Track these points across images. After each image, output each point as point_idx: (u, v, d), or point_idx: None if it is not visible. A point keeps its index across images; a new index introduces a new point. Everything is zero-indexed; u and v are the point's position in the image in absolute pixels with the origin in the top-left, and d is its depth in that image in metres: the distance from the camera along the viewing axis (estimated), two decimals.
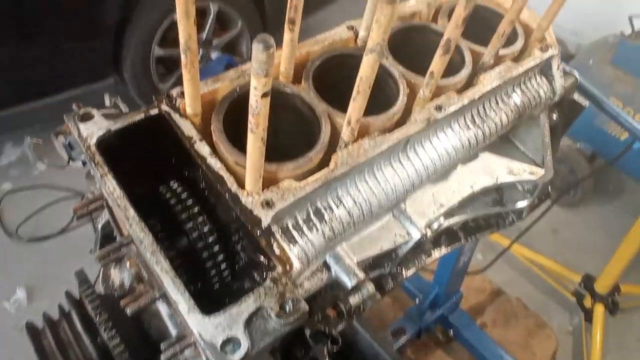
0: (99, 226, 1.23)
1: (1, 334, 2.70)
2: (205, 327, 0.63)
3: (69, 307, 1.03)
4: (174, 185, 0.94)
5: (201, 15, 3.51)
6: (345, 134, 0.83)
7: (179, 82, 3.24)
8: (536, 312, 2.80)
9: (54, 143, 0.99)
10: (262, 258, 0.72)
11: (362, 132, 0.88)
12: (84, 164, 1.02)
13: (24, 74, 3.05)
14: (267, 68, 0.57)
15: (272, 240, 0.72)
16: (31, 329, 1.03)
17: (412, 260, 1.38)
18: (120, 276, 1.27)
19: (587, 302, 2.67)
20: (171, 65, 3.65)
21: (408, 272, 1.34)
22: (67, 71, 3.20)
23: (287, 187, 0.77)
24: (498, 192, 1.45)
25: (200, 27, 3.53)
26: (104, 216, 1.22)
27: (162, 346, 0.69)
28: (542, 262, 2.94)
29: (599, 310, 2.57)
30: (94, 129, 0.79)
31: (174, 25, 3.44)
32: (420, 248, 1.37)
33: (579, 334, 2.73)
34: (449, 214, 1.31)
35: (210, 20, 3.50)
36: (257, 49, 0.55)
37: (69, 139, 0.96)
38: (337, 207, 0.84)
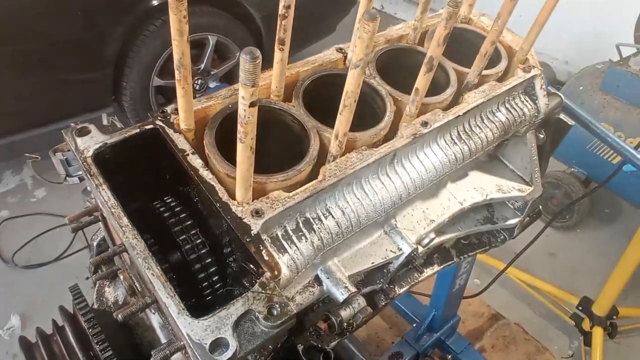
0: (94, 244, 1.25)
1: None
2: (194, 329, 0.64)
3: (63, 321, 1.04)
4: (168, 199, 0.96)
5: (200, 46, 3.60)
6: (334, 147, 0.86)
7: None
8: (535, 336, 2.78)
9: (52, 159, 1.03)
10: (251, 264, 0.74)
11: (350, 147, 0.91)
12: (81, 179, 1.05)
13: (24, 105, 3.11)
14: (254, 78, 0.60)
15: (261, 247, 0.74)
16: (24, 343, 1.04)
17: (405, 278, 1.39)
18: (114, 294, 1.28)
19: (586, 325, 2.66)
20: (170, 95, 3.72)
21: (401, 290, 1.35)
22: (68, 101, 3.27)
23: (277, 197, 0.80)
24: (489, 210, 1.48)
25: (199, 57, 3.63)
26: (99, 234, 1.24)
27: (153, 352, 0.70)
28: (540, 286, 2.94)
29: (598, 333, 2.55)
30: (91, 142, 0.82)
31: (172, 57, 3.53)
32: (412, 265, 1.38)
33: (579, 358, 2.70)
34: (440, 231, 1.33)
35: (208, 51, 3.59)
36: (244, 60, 0.58)
37: (67, 155, 1.00)
38: (326, 217, 0.86)
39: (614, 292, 2.50)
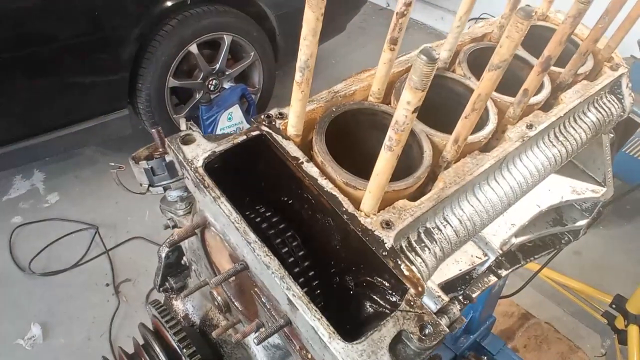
0: (162, 255, 1.19)
1: None
2: (350, 355, 0.59)
3: (147, 338, 0.99)
4: (261, 209, 0.91)
5: (215, 46, 3.54)
6: (450, 152, 0.82)
7: (193, 112, 3.27)
8: (566, 335, 2.76)
9: (133, 169, 0.97)
10: (382, 279, 0.70)
11: (464, 153, 0.87)
12: (165, 189, 0.99)
13: (39, 108, 3.03)
14: (426, 82, 0.55)
15: (399, 261, 0.69)
16: None
17: (476, 283, 1.35)
18: (183, 307, 1.22)
19: (620, 323, 2.64)
20: (184, 96, 3.65)
21: (474, 295, 1.31)
22: (83, 104, 3.19)
23: (403, 206, 0.75)
24: (557, 212, 1.45)
25: (213, 57, 3.56)
26: (166, 245, 1.18)
27: None
28: (570, 284, 2.92)
29: (634, 331, 2.53)
30: (198, 151, 0.76)
31: (188, 57, 3.47)
32: (489, 269, 1.35)
33: (613, 356, 2.69)
34: (517, 234, 1.30)
35: (223, 51, 3.53)
36: (422, 61, 0.53)
37: (152, 164, 0.94)
38: (445, 226, 0.82)
39: None
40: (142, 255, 3.16)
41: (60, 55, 2.91)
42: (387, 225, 0.72)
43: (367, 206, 0.73)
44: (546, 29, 1.21)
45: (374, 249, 0.69)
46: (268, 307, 0.71)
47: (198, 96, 3.59)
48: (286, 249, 0.86)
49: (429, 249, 0.78)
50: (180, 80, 3.46)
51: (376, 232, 0.71)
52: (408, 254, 0.76)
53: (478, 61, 1.07)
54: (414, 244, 0.77)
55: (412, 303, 0.65)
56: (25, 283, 3.01)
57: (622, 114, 1.17)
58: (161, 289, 1.22)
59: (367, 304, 0.73)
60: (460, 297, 1.22)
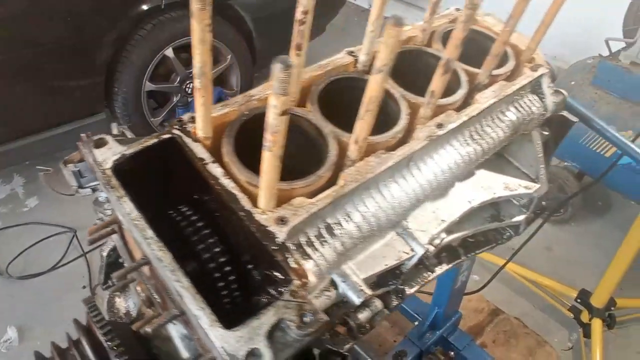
0: (104, 254, 1.23)
1: None
2: (227, 341, 0.64)
3: (78, 334, 1.02)
4: (183, 209, 0.95)
5: (191, 50, 3.57)
6: (353, 152, 0.86)
7: (170, 115, 3.32)
8: (535, 330, 2.81)
9: (63, 171, 1.01)
10: (279, 272, 0.74)
11: (368, 151, 0.91)
12: (94, 190, 1.04)
13: (16, 112, 3.06)
14: (286, 87, 0.60)
15: (288, 255, 0.74)
16: (39, 358, 1.02)
17: (415, 278, 1.39)
18: (125, 304, 1.26)
19: (585, 317, 2.69)
20: (162, 100, 3.69)
21: (411, 290, 1.35)
22: (59, 108, 3.22)
23: (300, 203, 0.79)
24: (495, 208, 1.49)
25: (190, 61, 3.58)
26: (108, 244, 1.22)
27: None
28: (538, 280, 2.97)
29: (597, 324, 2.58)
30: (109, 154, 0.81)
31: (165, 60, 3.51)
32: (422, 265, 1.39)
33: (579, 349, 2.74)
34: (449, 230, 1.34)
35: None
36: (277, 68, 0.58)
37: (79, 167, 0.98)
38: (347, 222, 0.86)
39: (611, 284, 2.54)
40: None
41: (37, 60, 2.94)
42: (282, 221, 0.76)
43: (262, 203, 0.77)
44: (475, 32, 1.25)
45: (265, 243, 0.74)
46: (160, 299, 0.76)
47: (175, 99, 3.63)
48: (202, 245, 0.90)
49: (329, 244, 0.83)
50: (157, 84, 3.50)
51: (269, 228, 0.76)
52: (306, 248, 0.80)
53: (399, 63, 1.12)
54: (313, 239, 0.82)
55: (295, 294, 0.70)
56: (2, 287, 3.04)
57: (544, 112, 1.21)
58: (105, 287, 1.26)
59: (264, 296, 0.77)
60: (393, 293, 1.27)
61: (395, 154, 0.91)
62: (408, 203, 0.95)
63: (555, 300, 2.92)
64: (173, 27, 3.35)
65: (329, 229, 0.84)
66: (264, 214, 0.77)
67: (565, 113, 1.45)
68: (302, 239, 0.81)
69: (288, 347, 0.67)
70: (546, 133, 1.42)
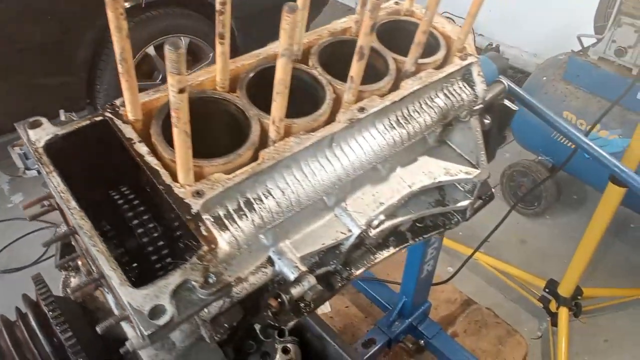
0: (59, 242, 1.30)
1: None
2: (134, 297, 0.70)
3: (25, 308, 1.09)
4: (123, 189, 1.02)
5: None
6: (272, 132, 0.93)
7: None
8: (506, 320, 2.87)
9: (11, 154, 1.07)
10: (191, 240, 0.80)
11: (291, 133, 0.98)
12: (39, 172, 1.10)
13: None
14: (179, 67, 0.66)
15: (200, 224, 0.80)
16: None
17: (361, 260, 1.46)
18: (78, 283, 1.33)
19: (553, 306, 2.76)
20: None
21: (357, 272, 1.42)
22: (41, 105, 3.29)
23: (217, 178, 0.86)
24: (440, 194, 1.55)
25: None
26: (63, 227, 1.29)
27: (98, 326, 0.76)
28: (510, 271, 3.04)
29: (563, 313, 2.65)
30: (42, 134, 0.87)
31: (147, 58, 3.58)
32: (366, 247, 1.45)
33: (547, 338, 2.80)
34: (392, 214, 1.40)
35: None
36: (168, 50, 0.64)
37: (24, 149, 1.05)
38: (267, 198, 0.93)
39: (577, 273, 2.60)
40: None
41: (18, 58, 3.01)
42: (198, 194, 0.83)
43: (181, 178, 0.84)
44: (410, 23, 1.32)
45: (180, 214, 0.80)
46: (87, 255, 0.82)
47: None
48: (136, 220, 0.97)
49: (247, 217, 0.89)
50: (139, 82, 3.55)
51: (186, 200, 0.82)
52: (225, 220, 0.87)
53: (332, 53, 1.19)
54: (232, 212, 0.88)
55: (202, 258, 0.76)
56: None
57: (474, 99, 1.28)
58: (60, 267, 1.33)
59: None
60: (338, 274, 1.33)
61: (315, 135, 0.97)
62: (330, 182, 1.01)
63: (526, 290, 2.99)
64: (154, 25, 3.42)
65: (249, 203, 0.91)
66: (183, 187, 0.84)
67: (505, 102, 1.52)
68: (221, 212, 0.88)
69: (193, 305, 0.73)
70: (487, 121, 1.49)
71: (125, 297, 0.70)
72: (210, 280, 0.74)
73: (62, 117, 1.15)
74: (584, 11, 3.70)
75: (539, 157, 3.42)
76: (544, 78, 3.27)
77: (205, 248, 0.77)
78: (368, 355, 2.41)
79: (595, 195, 3.69)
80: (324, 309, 2.95)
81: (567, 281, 2.67)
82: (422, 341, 2.60)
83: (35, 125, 0.89)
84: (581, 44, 3.36)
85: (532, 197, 3.50)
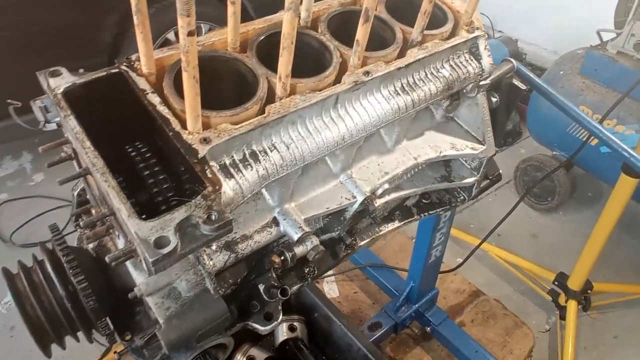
0: (75, 194, 1.36)
1: None
2: (141, 229, 0.74)
3: (42, 254, 1.15)
4: (137, 144, 1.07)
5: None
6: (279, 89, 0.97)
7: None
8: (514, 312, 2.87)
9: (33, 107, 1.13)
10: (197, 181, 0.85)
11: (297, 92, 1.02)
12: (59, 126, 1.16)
13: (23, 89, 3.23)
14: (189, 8, 0.71)
15: (206, 167, 0.84)
16: (7, 273, 1.14)
17: (366, 232, 1.50)
18: (91, 219, 1.39)
19: (562, 300, 2.75)
20: None
21: (362, 242, 1.45)
22: None
23: (224, 128, 0.90)
24: (446, 169, 1.58)
25: None
26: (79, 185, 1.35)
27: (107, 257, 0.80)
28: (519, 263, 3.03)
29: (572, 306, 2.64)
30: (61, 82, 0.93)
31: (167, 43, 3.66)
32: (372, 219, 1.49)
33: (555, 332, 2.79)
34: (398, 187, 1.43)
35: None
36: None
37: (45, 102, 1.10)
38: (271, 151, 0.96)
39: (587, 266, 2.59)
40: None
41: (42, 39, 3.11)
42: (205, 141, 0.87)
43: (190, 126, 0.88)
44: None
45: (187, 158, 0.85)
46: (100, 201, 0.87)
47: None
48: (148, 172, 1.02)
49: (252, 167, 0.93)
50: None
51: (194, 146, 0.87)
52: (230, 168, 0.91)
53: (342, 22, 1.22)
54: (237, 162, 0.92)
55: (207, 197, 0.80)
56: (5, 253, 3.21)
57: (480, 72, 1.30)
58: (75, 225, 1.39)
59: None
60: (342, 242, 1.37)
61: (320, 93, 1.01)
62: (333, 141, 1.05)
63: (536, 283, 2.98)
64: (175, 11, 3.48)
65: (254, 154, 0.95)
66: (191, 134, 0.88)
67: (514, 81, 1.54)
68: (227, 161, 0.92)
69: (196, 240, 0.77)
70: (495, 99, 1.51)
71: (133, 228, 0.74)
72: (213, 217, 0.78)
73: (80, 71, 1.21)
74: (606, 9, 3.67)
75: (554, 152, 3.40)
76: (561, 72, 3.25)
77: (209, 188, 0.81)
78: (373, 338, 2.44)
79: (610, 192, 3.66)
80: (332, 293, 2.98)
81: (577, 274, 2.65)
82: (429, 328, 2.62)
83: (56, 74, 0.94)
84: (600, 39, 3.33)
85: (546, 192, 3.48)
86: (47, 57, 3.18)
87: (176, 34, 3.56)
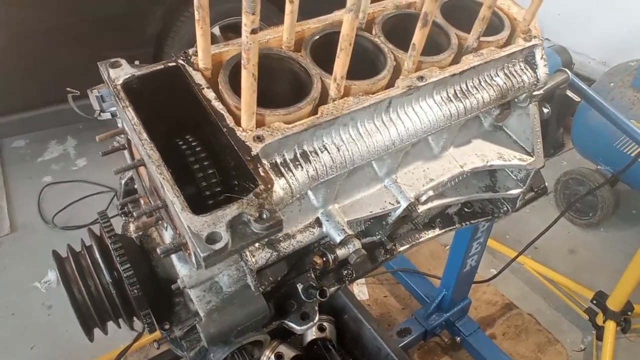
0: (122, 182, 1.39)
1: (31, 310, 2.89)
2: (194, 223, 0.75)
3: (90, 240, 1.18)
4: (188, 138, 1.08)
5: (236, 29, 3.75)
6: (333, 90, 0.96)
7: None
8: (548, 328, 2.79)
9: (89, 96, 1.16)
10: (250, 179, 0.85)
11: (350, 94, 1.01)
12: (113, 115, 1.18)
13: (67, 77, 3.33)
14: (255, 6, 0.71)
15: (259, 165, 0.85)
16: (57, 256, 1.18)
17: (406, 237, 1.48)
18: (141, 211, 1.41)
19: (600, 319, 2.65)
20: None
21: (401, 248, 1.44)
22: None
23: (277, 127, 0.90)
24: (492, 179, 1.54)
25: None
26: (127, 174, 1.38)
27: (158, 249, 0.81)
28: (556, 279, 2.94)
29: (610, 326, 2.54)
30: (121, 73, 0.95)
31: (212, 38, 3.70)
32: (413, 225, 1.47)
33: (591, 352, 2.70)
34: (442, 194, 1.41)
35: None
36: None
37: (102, 92, 1.13)
38: (322, 152, 0.96)
39: (629, 287, 2.49)
40: None
41: (90, 29, 3.20)
42: (258, 138, 0.88)
43: (244, 122, 0.88)
44: (475, 2, 1.32)
45: (240, 154, 0.85)
46: (154, 193, 0.88)
47: None
48: (197, 165, 1.03)
49: (302, 167, 0.93)
50: None
51: (247, 143, 0.87)
52: (281, 167, 0.91)
53: (396, 26, 1.21)
54: (288, 161, 0.92)
55: (259, 195, 0.80)
56: (47, 234, 3.32)
57: (535, 82, 1.26)
58: (121, 212, 1.42)
59: None
60: (382, 247, 1.36)
61: (373, 96, 1.00)
62: (383, 145, 1.03)
63: (572, 300, 2.89)
64: (221, 6, 3.53)
65: (305, 155, 0.95)
66: (245, 132, 0.89)
67: (568, 92, 1.49)
68: (278, 159, 0.92)
69: (246, 238, 0.78)
70: (547, 110, 1.46)
71: (186, 222, 0.75)
72: (264, 216, 0.78)
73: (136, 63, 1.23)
74: None
75: (598, 167, 3.29)
76: (612, 84, 3.13)
77: (261, 187, 0.81)
78: (402, 344, 2.42)
79: None
80: (362, 295, 2.97)
81: (617, 294, 2.56)
82: (459, 338, 2.58)
83: (116, 65, 0.96)
84: None
85: (587, 207, 3.37)
86: (94, 46, 3.27)
87: (221, 30, 3.60)
